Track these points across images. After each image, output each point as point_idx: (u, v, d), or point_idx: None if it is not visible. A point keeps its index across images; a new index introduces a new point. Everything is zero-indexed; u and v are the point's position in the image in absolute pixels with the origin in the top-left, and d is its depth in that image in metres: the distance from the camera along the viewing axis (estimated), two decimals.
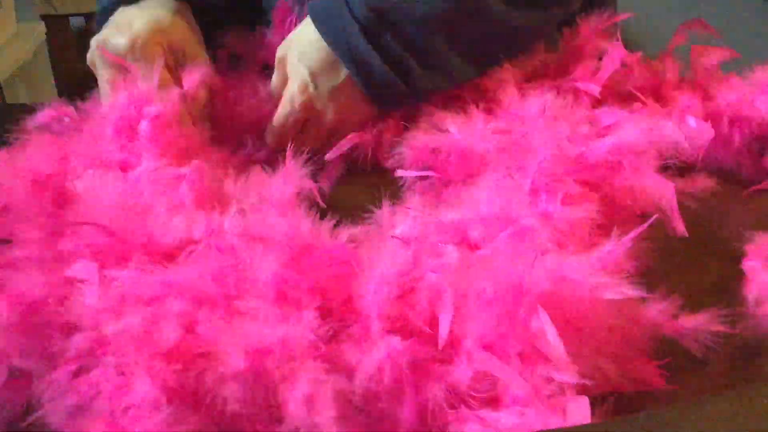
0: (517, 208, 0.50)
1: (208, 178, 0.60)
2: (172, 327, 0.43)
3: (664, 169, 0.61)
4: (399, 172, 0.63)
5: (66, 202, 0.55)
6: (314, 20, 0.68)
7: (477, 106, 0.65)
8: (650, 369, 0.45)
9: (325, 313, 0.45)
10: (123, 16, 0.74)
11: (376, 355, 0.42)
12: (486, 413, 0.41)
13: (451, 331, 0.43)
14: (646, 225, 0.47)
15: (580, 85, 0.70)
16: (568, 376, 0.40)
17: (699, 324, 0.46)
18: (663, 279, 0.50)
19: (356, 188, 0.65)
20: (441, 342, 0.42)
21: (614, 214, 0.55)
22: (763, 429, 0.38)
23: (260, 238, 0.46)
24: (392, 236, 0.50)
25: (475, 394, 0.42)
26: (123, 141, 0.65)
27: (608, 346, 0.44)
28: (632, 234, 0.46)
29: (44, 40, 1.98)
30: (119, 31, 0.71)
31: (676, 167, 0.62)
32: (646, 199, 0.55)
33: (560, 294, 0.42)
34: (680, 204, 0.60)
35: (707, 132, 0.65)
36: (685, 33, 0.73)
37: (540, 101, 0.63)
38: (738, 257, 0.54)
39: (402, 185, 0.63)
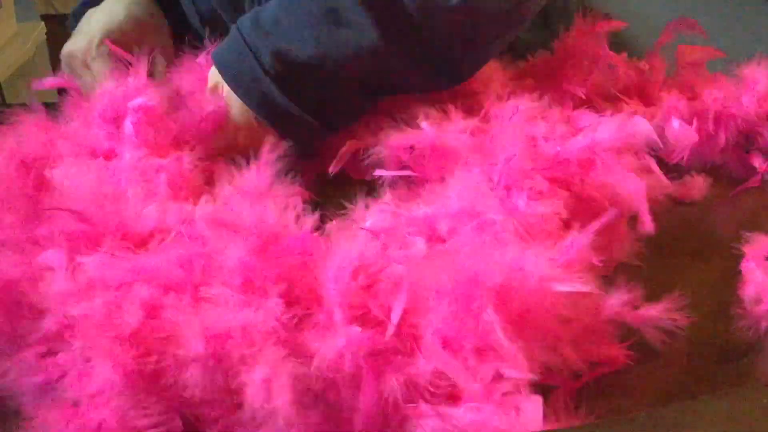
0: (485, 202, 0.50)
1: (187, 170, 0.61)
2: (134, 311, 0.44)
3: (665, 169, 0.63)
4: (377, 172, 0.63)
5: (46, 187, 0.56)
6: (223, 76, 0.66)
7: (456, 106, 0.66)
8: (614, 350, 0.45)
9: (290, 301, 0.46)
10: (84, 20, 0.77)
11: (336, 343, 0.42)
12: (444, 409, 0.41)
13: (412, 325, 0.43)
14: (605, 219, 0.48)
15: (566, 86, 0.71)
16: (519, 373, 0.40)
17: (659, 313, 0.46)
18: (659, 278, 0.52)
19: (334, 187, 0.66)
20: (389, 330, 0.42)
21: (586, 211, 0.56)
22: (763, 429, 0.38)
23: (228, 226, 0.47)
24: (361, 228, 0.50)
25: (434, 390, 0.42)
26: (109, 131, 0.65)
27: (567, 334, 0.44)
28: (592, 227, 0.46)
29: (44, 40, 1.97)
30: (79, 37, 0.74)
31: (669, 168, 0.64)
32: (617, 196, 0.56)
33: (514, 287, 0.42)
34: (678, 204, 0.63)
35: (691, 135, 0.66)
36: (672, 32, 0.73)
37: (515, 102, 0.63)
38: (735, 257, 0.55)
39: (380, 184, 0.63)
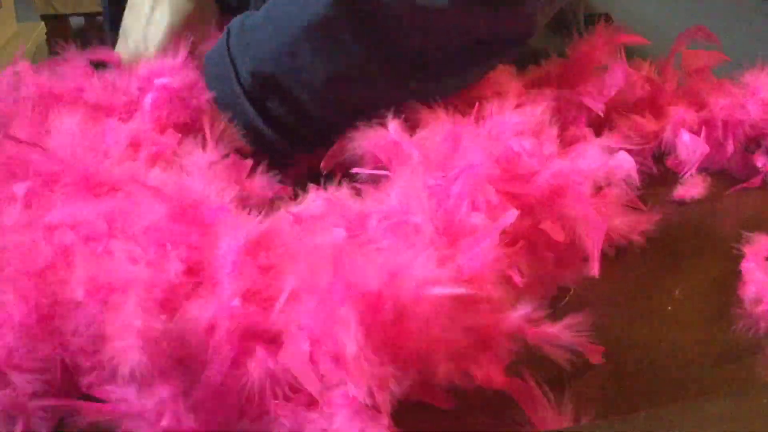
0: (416, 204, 0.49)
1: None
2: (47, 253, 0.46)
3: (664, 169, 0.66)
4: (355, 170, 0.62)
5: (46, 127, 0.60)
6: (206, 79, 0.67)
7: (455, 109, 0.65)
8: (492, 367, 0.43)
9: (194, 268, 0.46)
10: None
11: (206, 311, 0.42)
12: (300, 412, 0.41)
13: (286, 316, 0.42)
14: (503, 223, 0.46)
15: (585, 101, 0.69)
16: (357, 391, 0.39)
17: (558, 332, 0.44)
18: (658, 277, 0.55)
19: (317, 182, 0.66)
20: (273, 315, 0.42)
21: (539, 237, 0.53)
22: (763, 429, 0.38)
23: (149, 188, 0.48)
24: (287, 211, 0.50)
25: (296, 387, 0.41)
26: (131, 98, 0.69)
27: (446, 346, 0.42)
28: (493, 232, 0.45)
29: (44, 40, 2.00)
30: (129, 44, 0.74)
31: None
32: (575, 231, 0.53)
33: (390, 292, 0.41)
34: (678, 204, 0.64)
35: (702, 147, 0.66)
36: (686, 40, 0.73)
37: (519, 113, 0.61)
38: (735, 257, 0.54)
39: (362, 181, 0.62)
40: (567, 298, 0.52)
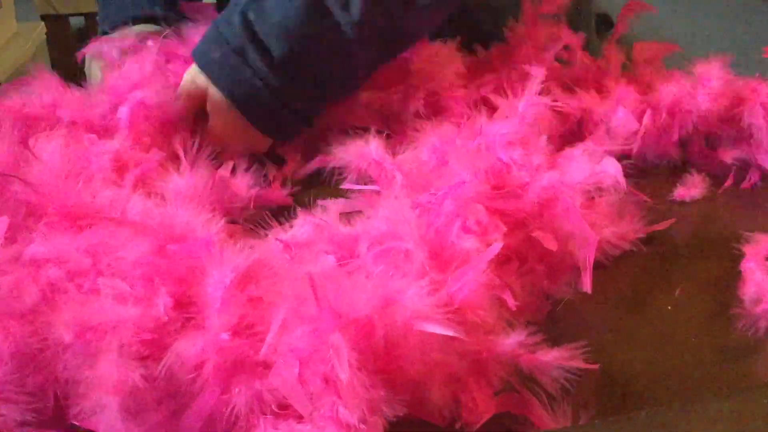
0: (407, 229, 0.48)
1: (163, 167, 0.63)
2: (33, 291, 0.45)
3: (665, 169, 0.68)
4: (345, 185, 0.63)
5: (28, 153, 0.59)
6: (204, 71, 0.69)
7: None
8: (482, 396, 0.43)
9: (184, 302, 0.46)
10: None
11: (195, 347, 0.42)
12: (288, 424, 0.40)
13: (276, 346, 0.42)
14: (491, 254, 0.45)
15: (525, 67, 0.68)
16: (349, 415, 0.38)
17: (555, 358, 0.43)
18: (659, 278, 0.55)
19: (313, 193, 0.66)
20: (263, 349, 0.42)
21: (530, 251, 0.53)
22: (763, 429, 0.39)
23: (134, 223, 0.47)
24: (276, 239, 0.50)
25: (283, 405, 0.41)
26: (106, 113, 0.68)
27: (439, 373, 0.42)
28: (481, 262, 0.44)
29: (44, 40, 1.97)
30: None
31: (670, 168, 0.67)
32: (567, 244, 0.53)
33: (381, 320, 0.40)
34: (678, 204, 0.64)
35: (632, 124, 0.67)
36: (627, 21, 0.74)
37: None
38: (735, 257, 0.55)
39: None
40: (563, 302, 0.52)
